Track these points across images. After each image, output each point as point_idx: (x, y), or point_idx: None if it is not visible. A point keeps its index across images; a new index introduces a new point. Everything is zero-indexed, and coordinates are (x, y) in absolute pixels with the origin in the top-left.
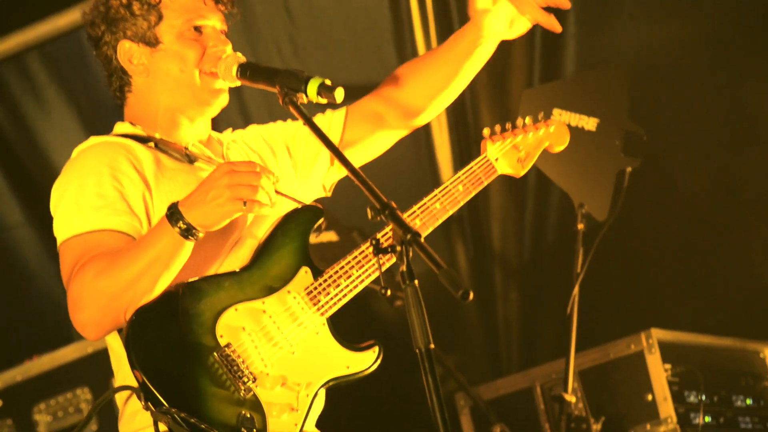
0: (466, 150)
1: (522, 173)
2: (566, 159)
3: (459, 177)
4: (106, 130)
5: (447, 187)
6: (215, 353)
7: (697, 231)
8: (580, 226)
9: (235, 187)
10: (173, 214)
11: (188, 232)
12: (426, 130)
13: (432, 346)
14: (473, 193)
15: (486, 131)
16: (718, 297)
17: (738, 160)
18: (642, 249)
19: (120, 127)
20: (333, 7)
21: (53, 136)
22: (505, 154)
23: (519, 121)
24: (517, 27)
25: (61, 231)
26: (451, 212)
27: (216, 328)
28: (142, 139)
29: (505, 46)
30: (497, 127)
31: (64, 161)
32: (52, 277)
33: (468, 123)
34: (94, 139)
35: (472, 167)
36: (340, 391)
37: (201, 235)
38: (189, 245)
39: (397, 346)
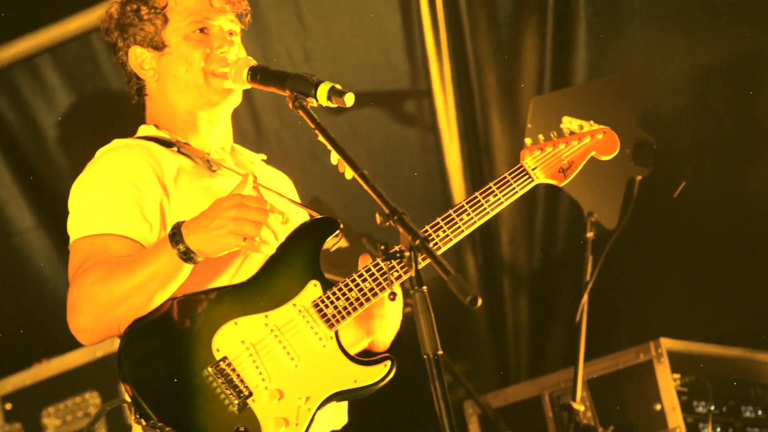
0: (476, 157)
1: (565, 182)
2: None
3: (490, 187)
4: (118, 133)
5: (476, 197)
6: (210, 367)
7: (706, 240)
8: (590, 235)
9: (239, 221)
10: (175, 234)
11: (186, 255)
12: (435, 138)
13: (440, 352)
14: (505, 204)
15: (527, 140)
16: (727, 307)
17: (748, 170)
18: (651, 258)
19: (144, 130)
20: (344, 14)
21: (64, 139)
22: (544, 164)
23: (565, 129)
24: None
25: (72, 230)
26: (479, 223)
27: (213, 341)
28: (165, 143)
29: (515, 54)
30: (540, 137)
31: (75, 165)
32: (62, 280)
33: (478, 131)
34: (117, 142)
35: (505, 177)
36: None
37: (200, 259)
38: (187, 267)
39: (406, 353)
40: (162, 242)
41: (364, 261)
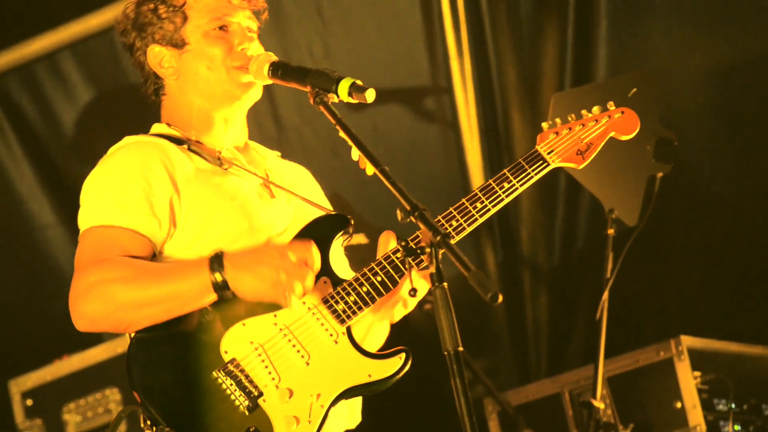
0: (496, 155)
1: (584, 165)
2: (597, 164)
3: (504, 174)
4: (139, 130)
5: (489, 185)
6: (218, 370)
7: (727, 236)
8: (611, 231)
9: (290, 276)
10: (216, 263)
11: (220, 287)
12: (456, 134)
13: (461, 349)
14: (520, 190)
15: (544, 125)
16: (748, 304)
17: None
18: (672, 254)
19: (156, 128)
20: (365, 10)
21: (85, 135)
22: (561, 147)
23: (584, 111)
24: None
25: (82, 221)
26: (493, 211)
27: (221, 344)
28: (176, 141)
29: (536, 51)
30: (557, 120)
31: (96, 161)
32: None
33: (498, 128)
34: (129, 139)
35: (519, 162)
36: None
37: (229, 295)
38: (212, 297)
39: (426, 349)
40: (198, 264)
41: (387, 238)
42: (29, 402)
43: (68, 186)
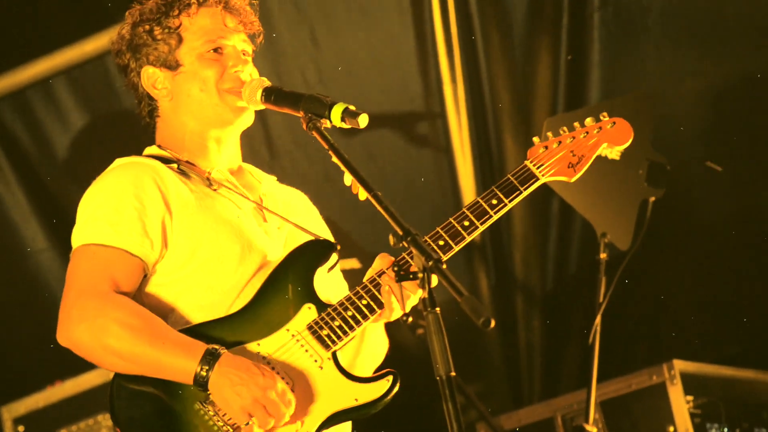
0: (489, 179)
1: (575, 178)
2: (589, 188)
3: (492, 191)
4: (132, 155)
5: (477, 202)
6: (200, 402)
7: (720, 261)
8: (603, 256)
9: (258, 405)
10: (209, 360)
11: (200, 382)
12: (449, 159)
13: (453, 373)
14: (509, 206)
15: (535, 139)
16: (741, 328)
17: (761, 190)
18: (665, 279)
19: (148, 150)
20: (358, 35)
21: (78, 161)
22: (551, 160)
23: (576, 123)
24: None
25: (74, 239)
26: (482, 228)
27: None
28: (166, 161)
29: (529, 75)
30: (549, 134)
31: (89, 186)
32: None
33: (492, 151)
34: (120, 160)
35: (508, 179)
36: (359, 420)
37: (205, 391)
38: (189, 382)
39: (419, 374)
40: (193, 350)
41: (382, 261)
42: (21, 428)
43: (61, 211)
